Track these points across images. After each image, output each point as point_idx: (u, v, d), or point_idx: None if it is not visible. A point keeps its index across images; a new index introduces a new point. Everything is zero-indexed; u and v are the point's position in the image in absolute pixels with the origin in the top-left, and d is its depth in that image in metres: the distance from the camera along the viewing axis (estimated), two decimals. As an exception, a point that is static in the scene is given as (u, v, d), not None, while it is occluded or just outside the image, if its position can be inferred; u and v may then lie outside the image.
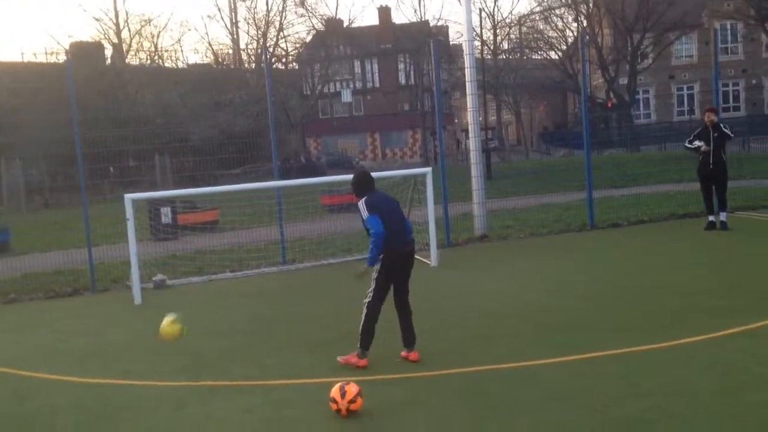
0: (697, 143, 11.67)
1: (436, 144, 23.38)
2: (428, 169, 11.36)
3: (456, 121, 62.32)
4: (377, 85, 58.10)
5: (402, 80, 56.79)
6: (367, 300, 6.03)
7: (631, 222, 13.52)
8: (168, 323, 5.78)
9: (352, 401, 5.02)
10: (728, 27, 44.95)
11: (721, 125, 11.60)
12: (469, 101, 13.38)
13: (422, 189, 11.19)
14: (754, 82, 48.09)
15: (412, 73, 54.17)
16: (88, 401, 5.83)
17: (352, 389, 5.05)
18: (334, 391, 5.07)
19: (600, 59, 43.90)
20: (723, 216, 11.81)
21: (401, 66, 56.45)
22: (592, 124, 26.71)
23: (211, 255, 12.37)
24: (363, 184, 6.19)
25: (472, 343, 6.38)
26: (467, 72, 13.49)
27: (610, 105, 43.96)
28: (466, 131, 16.97)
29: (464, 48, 13.87)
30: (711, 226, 11.84)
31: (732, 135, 11.83)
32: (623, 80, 44.41)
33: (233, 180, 17.43)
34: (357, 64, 57.31)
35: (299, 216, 14.18)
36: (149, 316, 8.92)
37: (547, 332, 6.78)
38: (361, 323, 6.00)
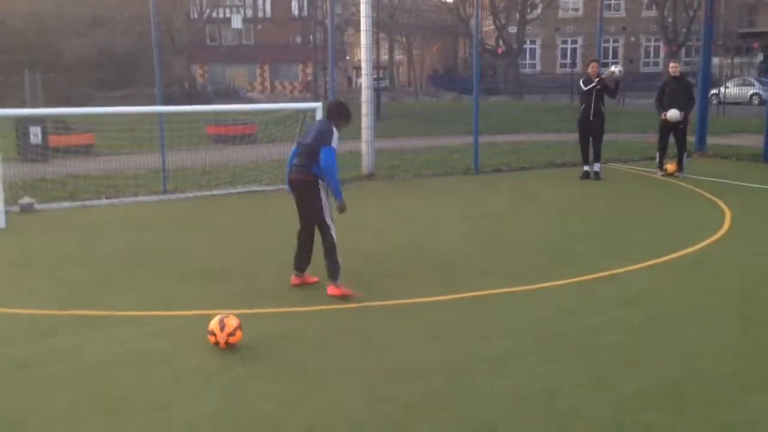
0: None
1: (327, 79, 23.05)
2: (318, 104, 11.20)
3: (347, 58, 61.64)
4: (269, 14, 56.26)
5: (295, 12, 55.26)
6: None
7: (513, 168, 13.98)
8: None
9: (231, 334, 4.97)
10: (614, -17, 46.60)
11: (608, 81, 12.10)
12: (363, 37, 13.20)
13: (311, 123, 11.04)
14: (632, 39, 50.40)
15: (305, 4, 52.76)
16: (-58, 329, 5.46)
17: (232, 322, 5.00)
18: (213, 324, 5.00)
19: (492, 6, 44.44)
20: (597, 167, 12.45)
21: (295, -4, 54.89)
22: (481, 70, 27.15)
23: (85, 180, 11.75)
24: (343, 115, 6.13)
25: (351, 280, 6.44)
26: (362, 7, 13.26)
27: (500, 52, 44.82)
28: (358, 68, 16.78)
29: (360, -18, 13.56)
30: (586, 175, 12.46)
31: (615, 94, 12.40)
32: (513, 29, 45.27)
33: (111, 103, 16.52)
34: (249, -11, 55.18)
35: (182, 144, 13.68)
36: (14, 241, 8.43)
37: (424, 271, 6.94)
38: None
